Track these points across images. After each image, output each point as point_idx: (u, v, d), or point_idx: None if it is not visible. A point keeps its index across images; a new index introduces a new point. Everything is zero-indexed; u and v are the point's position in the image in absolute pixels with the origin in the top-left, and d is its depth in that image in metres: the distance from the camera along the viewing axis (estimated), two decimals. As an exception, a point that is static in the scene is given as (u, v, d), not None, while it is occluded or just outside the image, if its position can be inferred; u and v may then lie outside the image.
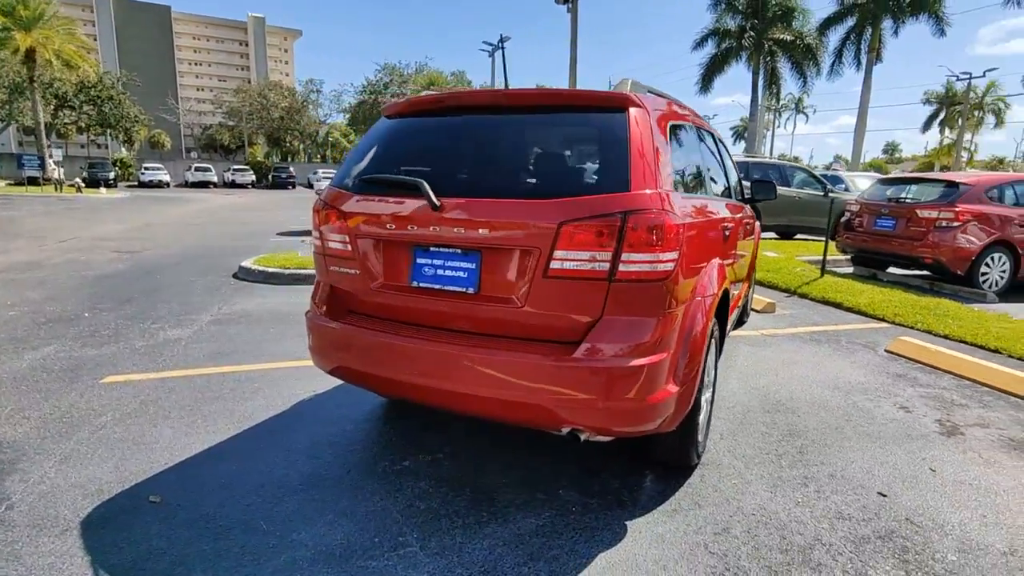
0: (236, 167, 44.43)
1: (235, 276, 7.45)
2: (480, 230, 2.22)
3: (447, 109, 2.61)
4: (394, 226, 2.40)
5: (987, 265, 7.04)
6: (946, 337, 5.17)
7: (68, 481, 2.60)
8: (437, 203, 2.26)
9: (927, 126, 61.11)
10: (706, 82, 33.42)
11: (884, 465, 2.88)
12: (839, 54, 32.01)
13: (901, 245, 7.42)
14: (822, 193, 12.15)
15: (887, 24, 31.51)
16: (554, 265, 2.12)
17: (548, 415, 2.15)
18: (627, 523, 2.37)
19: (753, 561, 2.15)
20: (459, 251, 2.32)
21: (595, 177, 2.23)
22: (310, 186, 44.57)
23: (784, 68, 32.32)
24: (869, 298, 6.34)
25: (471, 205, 2.26)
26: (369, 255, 2.52)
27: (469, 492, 2.58)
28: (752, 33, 31.02)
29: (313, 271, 7.01)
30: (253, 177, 43.52)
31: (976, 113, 58.67)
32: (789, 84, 33.08)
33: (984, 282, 7.06)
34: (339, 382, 3.80)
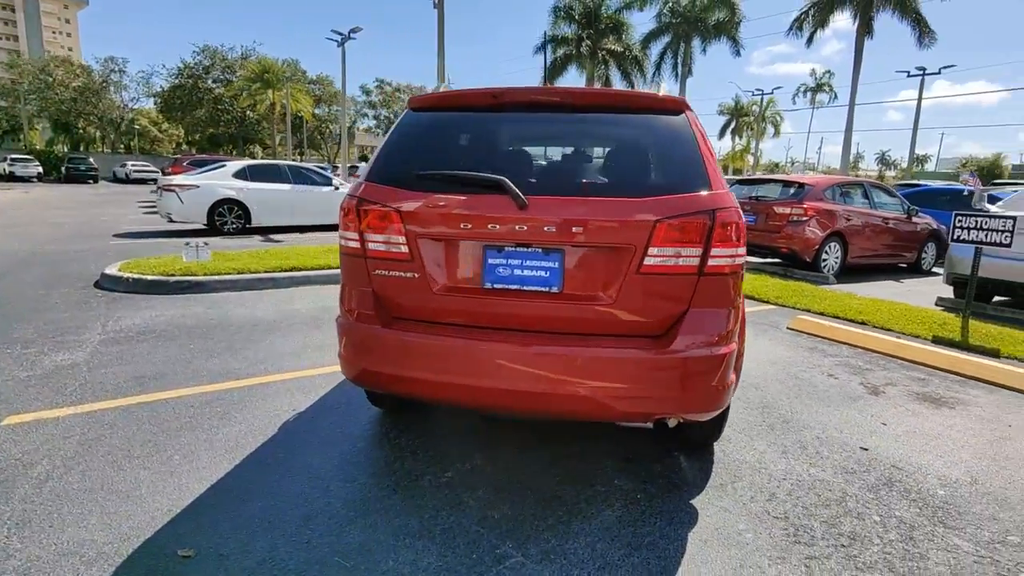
0: (16, 156, 36.79)
1: (98, 286, 6.31)
2: (572, 228, 2.20)
3: (499, 105, 2.53)
4: (470, 225, 2.28)
5: (826, 253, 8.46)
6: (821, 314, 6.14)
7: (49, 551, 2.08)
8: (525, 201, 2.20)
9: (722, 133, 70.55)
10: (548, 84, 35.32)
11: (848, 424, 3.40)
12: (658, 66, 35.76)
13: (762, 237, 8.61)
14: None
15: (696, 43, 35.74)
16: (648, 261, 2.19)
17: (643, 406, 2.21)
18: (692, 503, 2.53)
19: (809, 519, 2.43)
20: (540, 250, 2.27)
21: (678, 176, 2.32)
22: (118, 180, 38.68)
23: (615, 76, 35.28)
24: (750, 285, 7.27)
25: (558, 203, 2.23)
26: (431, 257, 2.36)
27: (531, 494, 2.55)
28: (588, 42, 33.39)
29: (207, 278, 6.24)
30: (40, 169, 36.48)
31: (760, 124, 69.12)
32: (621, 91, 36.12)
33: (824, 267, 8.47)
34: (317, 398, 3.48)
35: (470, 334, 2.31)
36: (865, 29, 28.98)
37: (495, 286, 2.31)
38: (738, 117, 68.29)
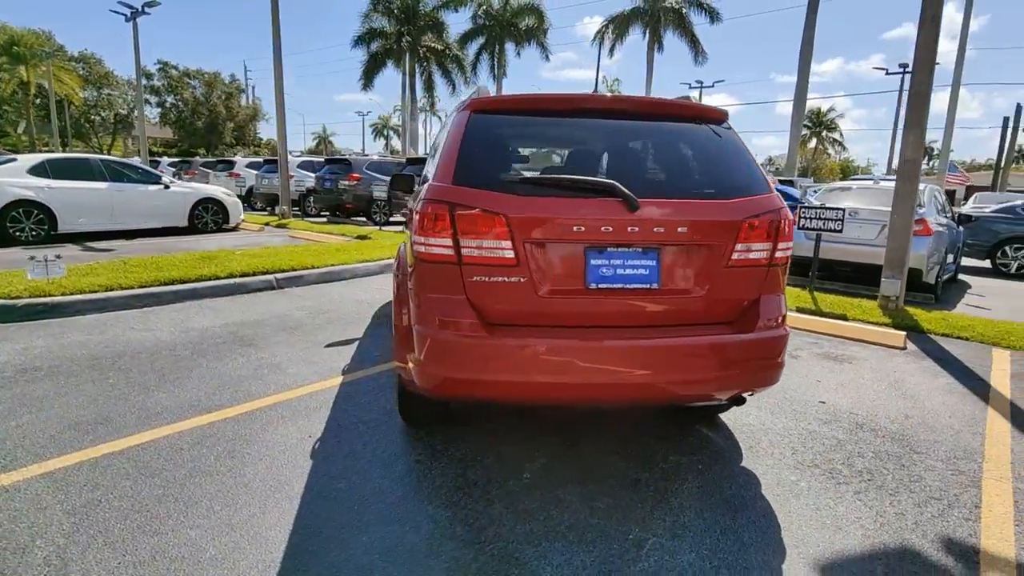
0: None
1: None
2: (677, 228, 2.38)
3: (570, 110, 2.58)
4: (583, 228, 2.32)
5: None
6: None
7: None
8: (638, 204, 2.32)
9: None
10: (368, 78, 34.39)
11: (796, 384, 4.07)
12: (475, 66, 36.82)
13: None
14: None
15: (511, 47, 37.43)
16: (734, 256, 2.46)
17: (735, 385, 2.49)
18: (743, 466, 2.88)
19: (831, 462, 2.93)
20: (639, 250, 2.41)
21: (745, 180, 2.61)
22: None
23: (437, 74, 35.57)
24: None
25: (663, 206, 2.39)
26: (536, 261, 2.35)
27: (614, 481, 2.68)
28: (408, 38, 33.14)
29: (69, 298, 5.09)
30: None
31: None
32: (441, 89, 36.53)
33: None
34: (323, 419, 3.20)
35: (582, 334, 2.37)
36: (655, 44, 33.06)
37: (599, 286, 2.39)
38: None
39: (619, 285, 2.41)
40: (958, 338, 5.39)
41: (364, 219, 14.93)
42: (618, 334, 2.39)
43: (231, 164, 19.66)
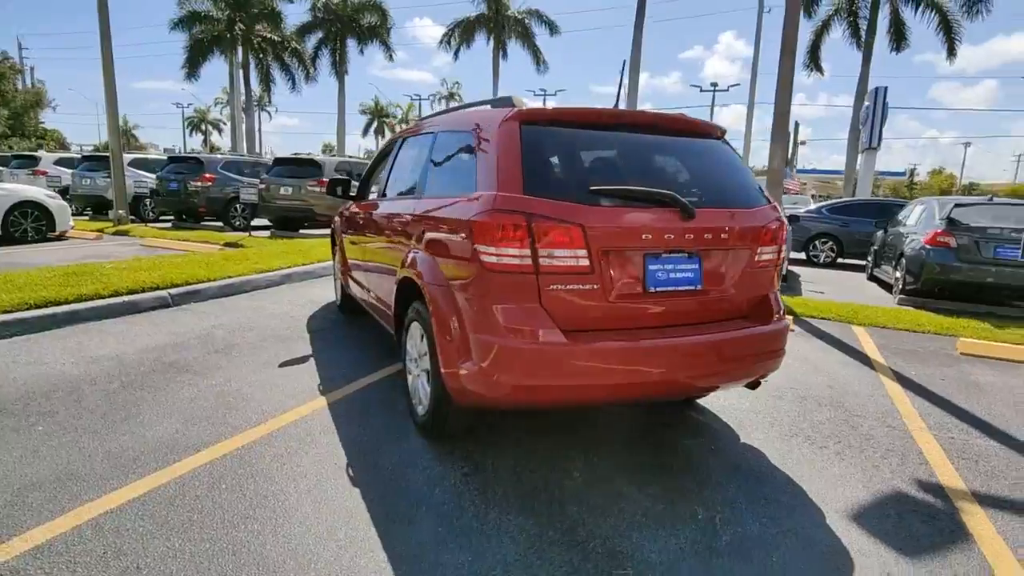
0: None
1: None
2: (721, 234, 2.65)
3: (611, 124, 2.73)
4: (650, 236, 2.48)
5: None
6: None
7: None
8: (694, 213, 2.54)
9: (365, 132, 72.72)
10: (192, 67, 31.13)
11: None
12: (314, 60, 34.99)
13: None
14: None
15: (353, 44, 36.13)
16: (757, 258, 2.81)
17: (761, 370, 2.84)
18: (747, 443, 3.26)
19: (808, 431, 3.44)
20: (686, 254, 2.64)
21: (755, 190, 2.95)
22: None
23: (275, 67, 33.16)
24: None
25: (706, 214, 2.64)
26: (606, 268, 2.47)
27: (654, 470, 2.89)
28: (242, 25, 30.48)
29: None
30: None
31: (402, 125, 73.97)
32: (280, 83, 34.10)
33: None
34: (335, 443, 3.01)
35: (646, 334, 2.54)
36: (500, 51, 34.15)
37: (656, 289, 2.58)
38: (379, 117, 71.46)
39: (671, 288, 2.62)
40: (823, 319, 6.49)
41: (221, 224, 13.52)
42: (673, 332, 2.60)
43: (32, 160, 16.53)
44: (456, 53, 34.98)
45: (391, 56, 36.92)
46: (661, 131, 2.87)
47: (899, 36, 26.48)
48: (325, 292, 6.73)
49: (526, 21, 33.11)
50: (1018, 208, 8.02)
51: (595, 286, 2.47)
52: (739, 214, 2.77)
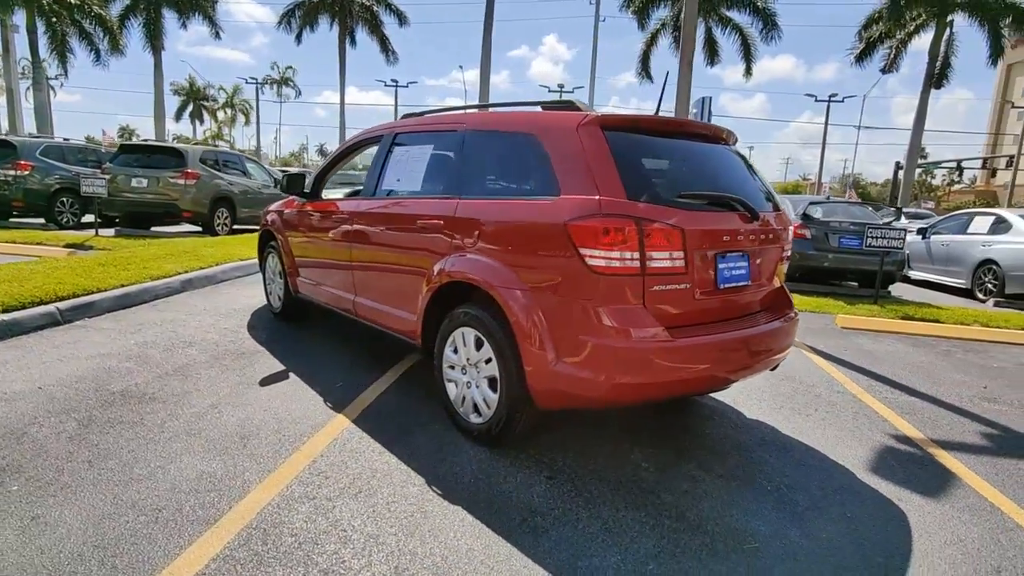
0: None
1: None
2: (771, 234, 2.94)
3: (675, 132, 2.89)
4: (728, 237, 2.68)
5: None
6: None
7: None
8: (759, 215, 2.80)
9: (179, 116, 64.56)
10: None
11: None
12: (121, 29, 30.44)
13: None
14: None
15: (172, 14, 32.02)
16: (784, 254, 3.17)
17: (787, 352, 3.21)
18: (760, 419, 3.67)
19: (793, 403, 3.95)
20: (739, 254, 2.90)
21: (774, 194, 3.29)
22: None
23: (73, 35, 28.18)
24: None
25: (765, 215, 2.93)
26: (694, 268, 2.63)
27: (699, 454, 3.15)
28: (27, -17, 25.42)
29: None
30: None
31: (228, 111, 67.17)
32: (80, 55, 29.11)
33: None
34: (393, 463, 2.83)
35: (724, 327, 2.76)
36: (346, 38, 32.58)
37: (725, 286, 2.81)
38: (195, 100, 64.23)
39: (732, 284, 2.87)
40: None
41: (43, 221, 11.29)
42: (738, 324, 2.87)
43: None
44: (299, 37, 32.68)
45: (218, 33, 33.26)
46: (709, 139, 3.10)
47: (712, 52, 30.30)
48: (242, 298, 6.04)
49: (374, 8, 31.95)
50: (853, 207, 9.80)
51: (686, 285, 2.63)
52: (773, 216, 3.11)
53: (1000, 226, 9.52)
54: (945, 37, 27.39)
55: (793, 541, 2.36)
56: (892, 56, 27.87)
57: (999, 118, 59.45)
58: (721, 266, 2.80)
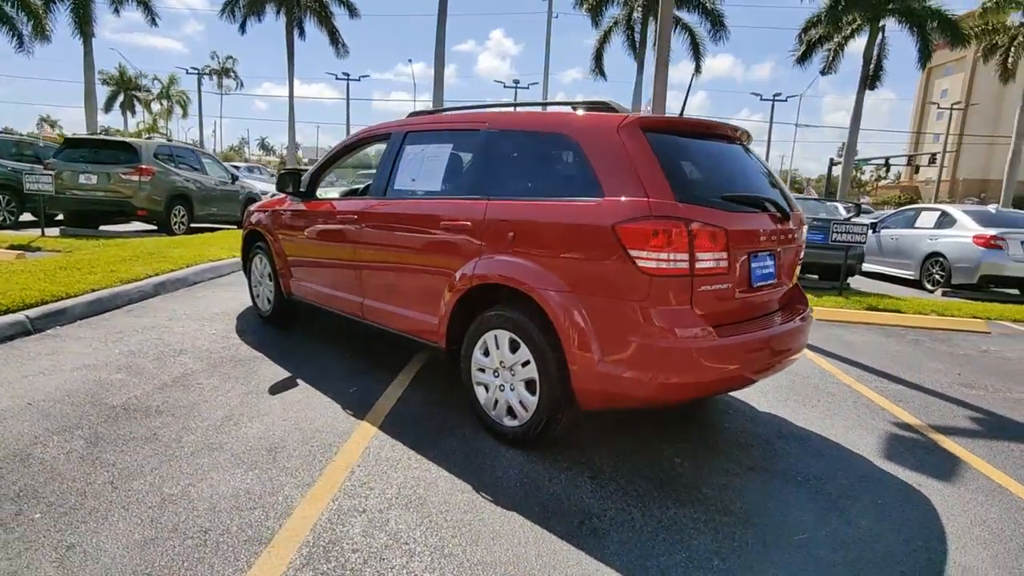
0: None
1: None
2: (795, 234, 3.03)
3: (708, 134, 2.93)
4: (764, 237, 2.75)
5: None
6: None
7: None
8: (790, 215, 2.88)
9: (108, 107, 60.68)
10: None
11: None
12: (46, 13, 28.48)
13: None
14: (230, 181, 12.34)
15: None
16: (800, 253, 3.28)
17: (803, 351, 3.33)
18: (773, 412, 3.78)
19: (797, 394, 4.09)
20: (768, 253, 2.98)
21: (791, 196, 3.39)
22: None
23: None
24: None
25: (793, 216, 3.02)
26: (734, 268, 2.68)
27: (730, 448, 3.23)
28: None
29: None
30: None
31: (164, 103, 63.84)
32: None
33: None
34: (437, 474, 2.80)
35: (759, 324, 2.84)
36: (294, 28, 31.52)
37: (757, 284, 2.88)
38: (126, 90, 60.77)
39: (763, 283, 2.95)
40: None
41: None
42: (770, 321, 2.96)
43: None
44: (243, 26, 31.37)
45: (154, 20, 31.57)
46: (732, 139, 3.15)
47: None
48: (221, 301, 5.77)
49: (324, -1, 31.02)
50: (810, 202, 10.25)
51: (728, 285, 2.69)
52: (798, 216, 3.21)
53: (944, 220, 10.17)
54: (878, 41, 28.98)
55: (838, 530, 2.46)
56: (831, 58, 29.20)
57: (920, 117, 63.48)
58: (754, 265, 2.87)
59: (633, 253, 2.48)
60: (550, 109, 3.29)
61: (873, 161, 37.90)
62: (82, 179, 9.62)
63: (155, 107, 63.50)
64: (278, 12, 31.72)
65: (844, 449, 3.28)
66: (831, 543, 2.36)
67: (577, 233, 2.68)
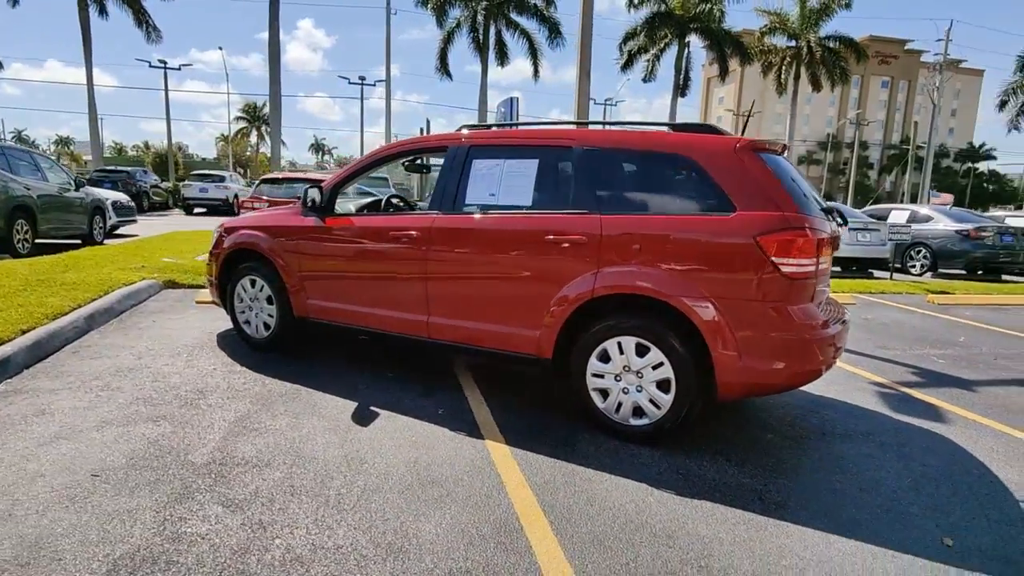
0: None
1: None
2: (837, 239, 3.63)
3: (778, 151, 3.37)
4: (832, 243, 3.28)
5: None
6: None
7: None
8: (848, 222, 3.45)
9: None
10: None
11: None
12: None
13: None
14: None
15: None
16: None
17: None
18: (787, 401, 4.42)
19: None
20: (828, 256, 3.53)
21: None
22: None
23: None
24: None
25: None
26: (827, 269, 3.19)
27: (777, 436, 3.78)
28: None
29: None
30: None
31: None
32: None
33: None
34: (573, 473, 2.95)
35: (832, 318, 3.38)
36: (88, 5, 26.95)
37: (821, 285, 3.42)
38: None
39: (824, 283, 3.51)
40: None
41: None
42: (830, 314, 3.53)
43: None
44: (15, 1, 26.13)
45: None
46: (781, 153, 3.66)
47: (502, 54, 32.18)
48: (176, 331, 5.03)
49: (121, -29, 27.02)
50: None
51: (823, 285, 3.19)
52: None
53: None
54: (685, 55, 33.23)
55: (919, 471, 3.10)
56: (650, 67, 32.75)
57: (704, 119, 74.76)
58: (823, 267, 3.41)
59: (777, 260, 2.86)
60: (650, 128, 3.51)
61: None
62: None
63: None
64: (68, -14, 26.92)
65: (860, 408, 4.02)
66: (922, 479, 2.98)
67: (715, 244, 2.98)
